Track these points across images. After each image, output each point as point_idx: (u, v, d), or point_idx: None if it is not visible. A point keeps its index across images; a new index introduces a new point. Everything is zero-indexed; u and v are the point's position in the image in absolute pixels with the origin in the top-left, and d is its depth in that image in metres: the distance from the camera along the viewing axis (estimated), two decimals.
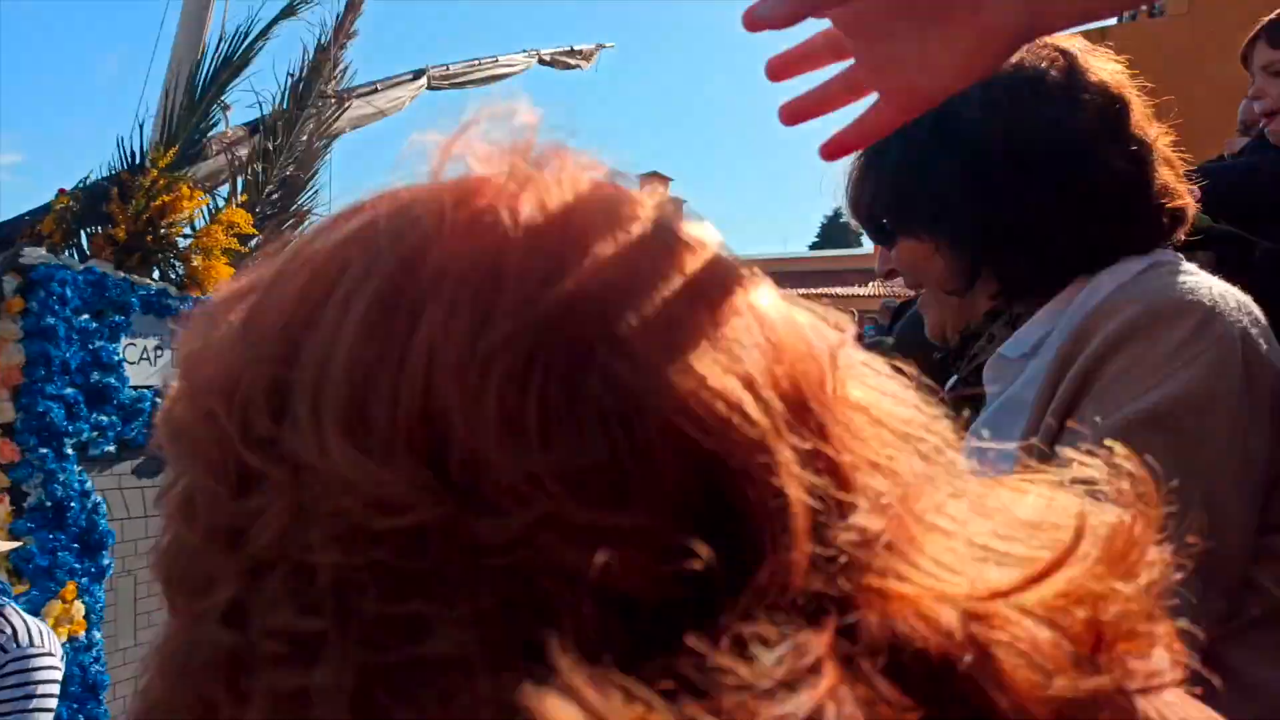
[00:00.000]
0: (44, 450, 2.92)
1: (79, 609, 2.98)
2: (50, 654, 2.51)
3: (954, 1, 0.52)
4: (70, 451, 3.00)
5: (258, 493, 0.30)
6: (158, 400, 3.29)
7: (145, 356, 3.31)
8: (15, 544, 2.78)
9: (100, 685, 3.05)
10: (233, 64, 3.54)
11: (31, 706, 2.47)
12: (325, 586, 0.29)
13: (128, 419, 3.19)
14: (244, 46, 3.50)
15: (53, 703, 2.48)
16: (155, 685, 0.33)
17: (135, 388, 3.23)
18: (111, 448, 3.15)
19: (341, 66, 4.11)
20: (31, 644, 2.52)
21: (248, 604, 0.30)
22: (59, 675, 2.52)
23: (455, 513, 0.29)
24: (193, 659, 0.31)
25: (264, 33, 3.56)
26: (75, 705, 2.97)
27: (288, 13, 3.65)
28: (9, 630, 2.51)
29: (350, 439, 0.29)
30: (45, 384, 2.93)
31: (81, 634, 3.00)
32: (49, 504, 2.93)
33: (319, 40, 3.89)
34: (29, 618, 2.58)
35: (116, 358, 3.14)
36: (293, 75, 3.84)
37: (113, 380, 3.12)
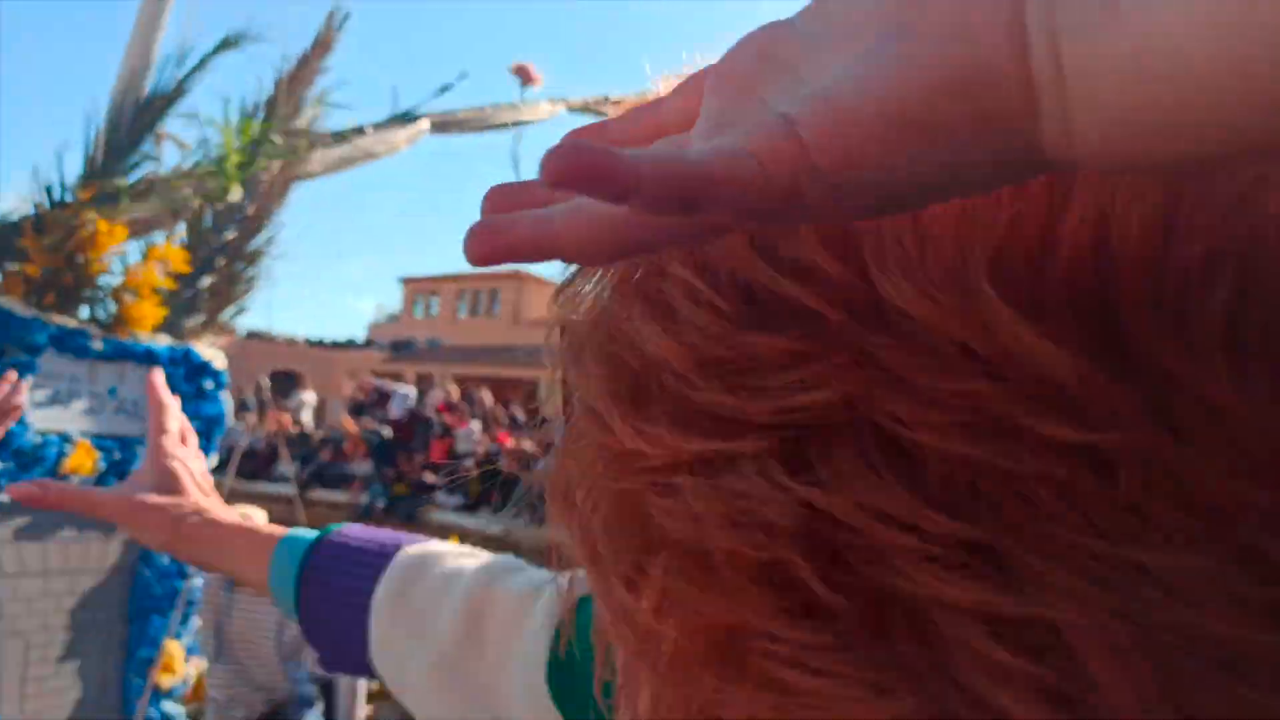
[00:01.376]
0: None
1: None
2: None
3: None
4: None
5: None
6: (66, 448, 3.09)
7: (57, 400, 3.12)
8: None
9: None
10: (165, 96, 3.39)
11: None
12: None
13: (25, 466, 2.99)
14: (181, 77, 3.36)
15: None
16: None
17: (40, 433, 3.04)
18: (4, 498, 2.95)
19: (312, 105, 3.95)
20: None
21: None
22: None
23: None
24: None
25: (201, 64, 3.40)
26: None
27: (227, 44, 3.50)
28: None
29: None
30: None
31: None
32: None
33: (279, 76, 3.74)
34: None
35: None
36: (246, 112, 3.69)
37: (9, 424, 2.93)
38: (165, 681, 3.36)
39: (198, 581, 3.51)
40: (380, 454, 20.87)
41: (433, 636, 0.68)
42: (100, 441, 3.21)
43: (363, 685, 4.83)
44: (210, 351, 3.63)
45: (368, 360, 38.63)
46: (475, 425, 19.96)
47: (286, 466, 21.31)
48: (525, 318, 38.80)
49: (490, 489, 18.44)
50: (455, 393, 22.49)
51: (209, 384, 3.58)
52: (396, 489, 19.88)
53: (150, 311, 3.34)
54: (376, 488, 20.17)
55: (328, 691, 4.71)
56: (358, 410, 24.74)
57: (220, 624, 4.22)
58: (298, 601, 0.75)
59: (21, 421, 2.97)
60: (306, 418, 22.73)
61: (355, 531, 0.79)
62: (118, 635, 3.29)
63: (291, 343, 43.64)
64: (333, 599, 0.73)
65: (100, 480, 3.20)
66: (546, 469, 0.33)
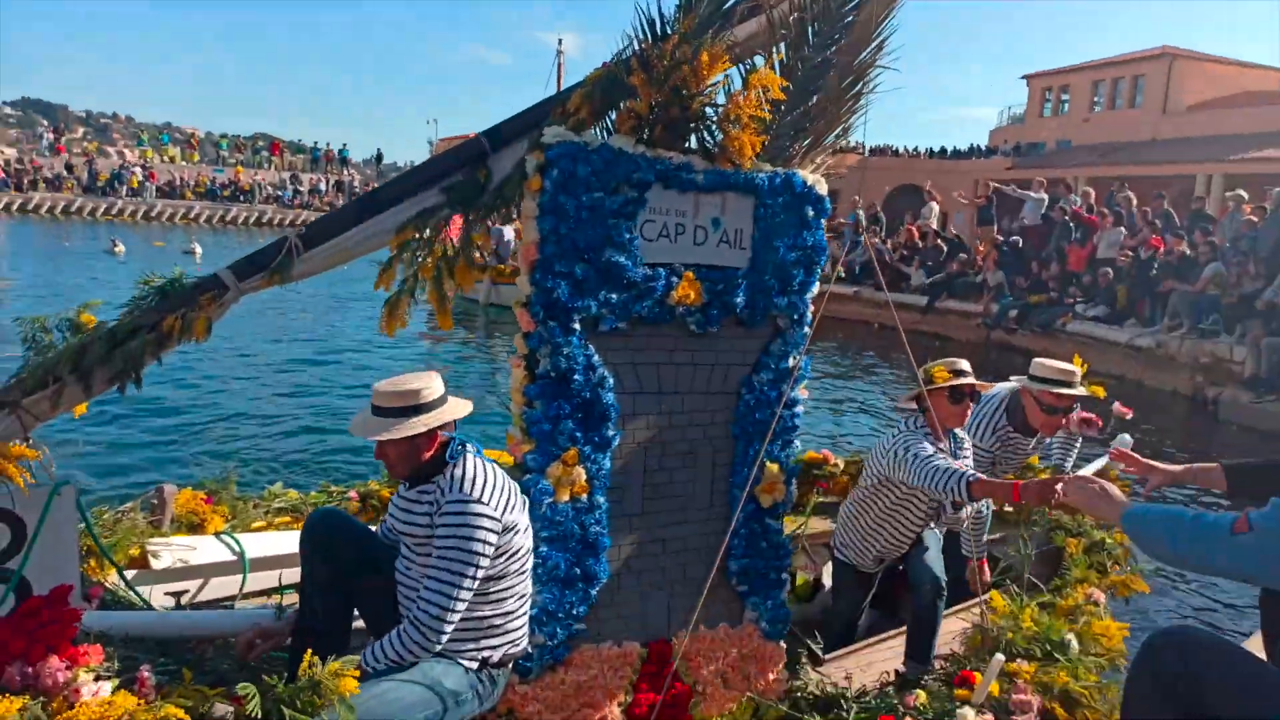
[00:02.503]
0: (551, 323, 3.09)
1: (580, 473, 3.16)
2: (483, 503, 2.77)
3: None
4: (576, 326, 3.12)
5: None
6: (673, 279, 3.26)
7: (664, 233, 3.28)
8: (468, 407, 3.05)
9: (600, 544, 3.23)
10: None
11: (461, 543, 2.80)
12: None
13: (639, 297, 3.21)
14: None
15: (481, 547, 2.75)
16: None
17: (650, 265, 3.23)
18: (622, 325, 3.22)
19: None
20: (463, 492, 2.79)
21: None
22: (494, 526, 2.76)
23: None
24: None
25: None
26: (573, 558, 3.20)
27: None
28: (450, 478, 2.82)
29: None
30: (554, 260, 3.07)
31: (584, 496, 3.19)
32: (553, 374, 3.11)
33: None
34: (479, 473, 2.86)
35: (628, 235, 3.16)
36: None
37: (622, 259, 3.15)
38: (765, 499, 3.53)
39: (799, 409, 3.59)
40: (1011, 262, 20.03)
41: None
42: (704, 273, 3.34)
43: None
44: (813, 177, 3.55)
45: (991, 168, 37.04)
46: (1119, 229, 18.11)
47: (915, 276, 21.54)
48: (1176, 105, 33.78)
49: (1140, 298, 16.76)
50: (1093, 195, 20.49)
51: (810, 212, 3.51)
52: (1030, 298, 19.03)
53: (750, 140, 3.32)
54: (1007, 298, 19.50)
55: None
56: (985, 219, 23.94)
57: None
58: None
59: (633, 256, 3.18)
60: (933, 228, 22.54)
61: None
62: (724, 454, 3.51)
63: (913, 156, 43.37)
64: None
65: (704, 310, 3.35)
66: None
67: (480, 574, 2.80)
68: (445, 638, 2.80)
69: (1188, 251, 16.16)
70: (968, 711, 3.42)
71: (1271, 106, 29.63)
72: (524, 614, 3.06)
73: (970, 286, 20.75)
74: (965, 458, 4.35)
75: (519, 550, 2.95)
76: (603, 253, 3.13)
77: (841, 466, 5.74)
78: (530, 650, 3.14)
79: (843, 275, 22.99)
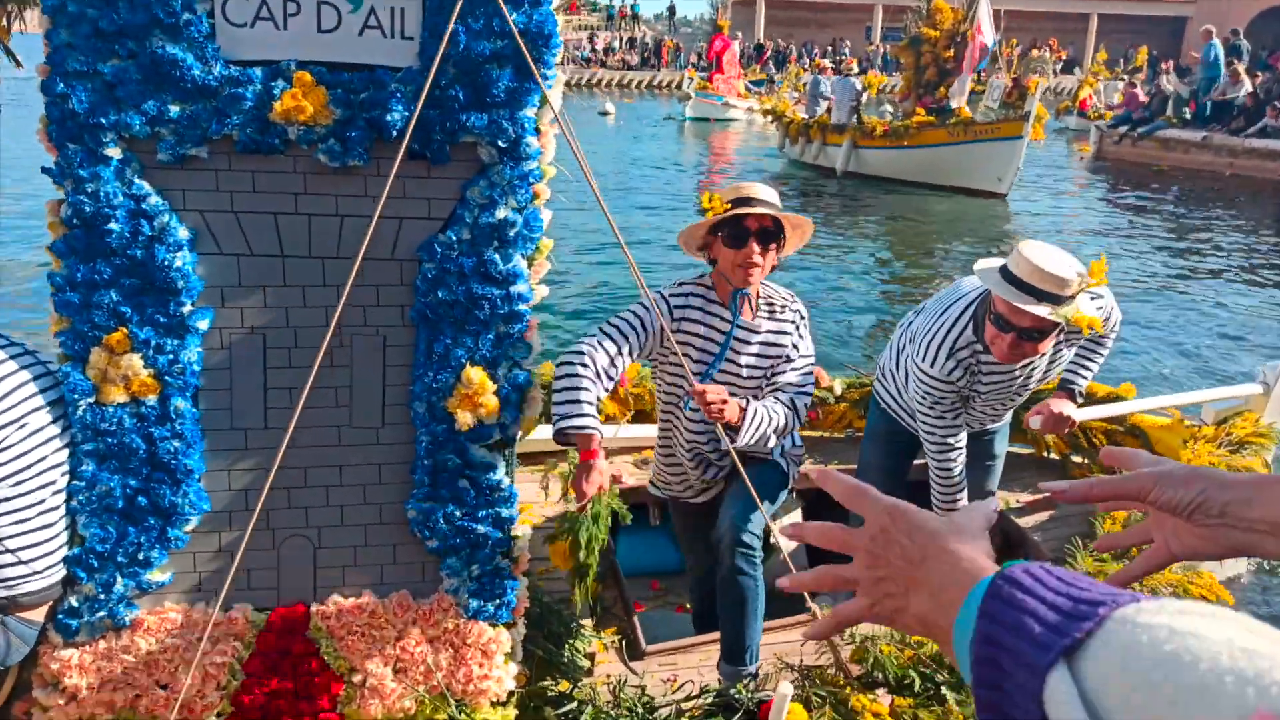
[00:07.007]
0: (70, 146, 2.15)
1: (136, 365, 2.22)
2: None
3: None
4: (113, 153, 2.15)
5: None
6: (275, 85, 2.19)
7: (264, 15, 2.17)
8: None
9: (181, 467, 2.28)
10: None
11: None
12: None
13: (219, 111, 2.17)
14: None
15: None
16: None
17: (234, 63, 2.17)
18: (197, 151, 2.19)
19: None
20: None
21: None
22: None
23: None
24: None
25: None
26: (138, 483, 2.28)
27: None
28: None
29: None
30: (67, 54, 2.10)
31: (151, 399, 2.25)
32: (77, 220, 2.17)
33: None
34: None
35: (188, 15, 2.11)
36: None
37: (178, 51, 2.11)
38: (463, 418, 2.37)
39: (522, 288, 2.37)
40: None
41: None
42: (333, 75, 2.21)
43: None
44: None
45: None
46: None
47: (1273, 121, 17.55)
48: None
49: None
50: None
51: None
52: None
53: None
54: None
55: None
56: None
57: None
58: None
59: (199, 47, 2.13)
60: None
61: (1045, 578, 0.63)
62: (400, 349, 2.39)
63: None
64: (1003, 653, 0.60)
65: (338, 133, 2.23)
66: None
67: None
68: None
69: None
70: None
71: None
72: (38, 549, 2.24)
73: None
74: (765, 358, 2.89)
75: (16, 453, 2.13)
76: (147, 41, 2.11)
77: (838, 391, 4.25)
78: (75, 603, 2.30)
79: (1188, 118, 19.23)
